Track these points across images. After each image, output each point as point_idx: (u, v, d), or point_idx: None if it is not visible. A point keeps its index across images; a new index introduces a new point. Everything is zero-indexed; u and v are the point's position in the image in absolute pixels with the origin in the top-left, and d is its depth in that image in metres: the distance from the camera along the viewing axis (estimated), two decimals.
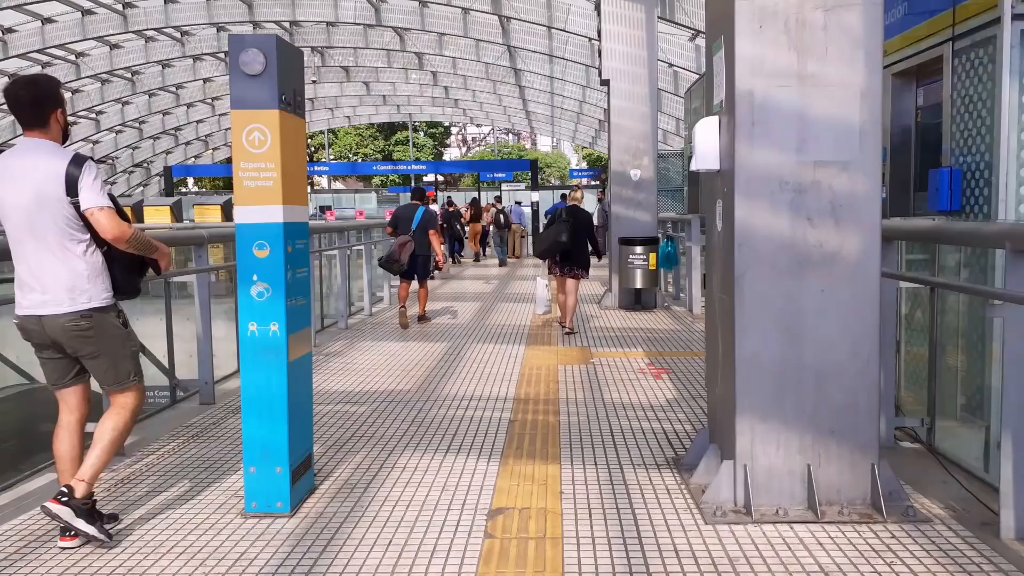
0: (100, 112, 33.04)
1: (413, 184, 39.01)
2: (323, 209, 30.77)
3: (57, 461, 3.29)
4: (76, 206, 3.09)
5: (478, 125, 56.64)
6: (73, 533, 3.14)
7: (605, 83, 10.64)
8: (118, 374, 3.29)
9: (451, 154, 61.00)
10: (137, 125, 36.22)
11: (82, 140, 35.06)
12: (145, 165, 42.68)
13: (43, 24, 22.86)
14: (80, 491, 3.13)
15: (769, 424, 3.37)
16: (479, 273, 17.22)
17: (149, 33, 25.02)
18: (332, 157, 51.23)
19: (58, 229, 3.10)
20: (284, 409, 3.51)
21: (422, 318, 9.48)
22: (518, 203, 23.33)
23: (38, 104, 3.15)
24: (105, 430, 3.24)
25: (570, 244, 8.35)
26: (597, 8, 11.34)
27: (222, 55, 27.77)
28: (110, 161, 40.21)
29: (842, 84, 3.27)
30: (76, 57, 26.19)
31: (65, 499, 3.09)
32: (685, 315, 9.85)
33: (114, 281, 3.27)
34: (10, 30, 23.05)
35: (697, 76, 15.91)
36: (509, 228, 21.53)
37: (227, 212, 14.42)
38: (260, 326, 3.50)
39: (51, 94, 3.19)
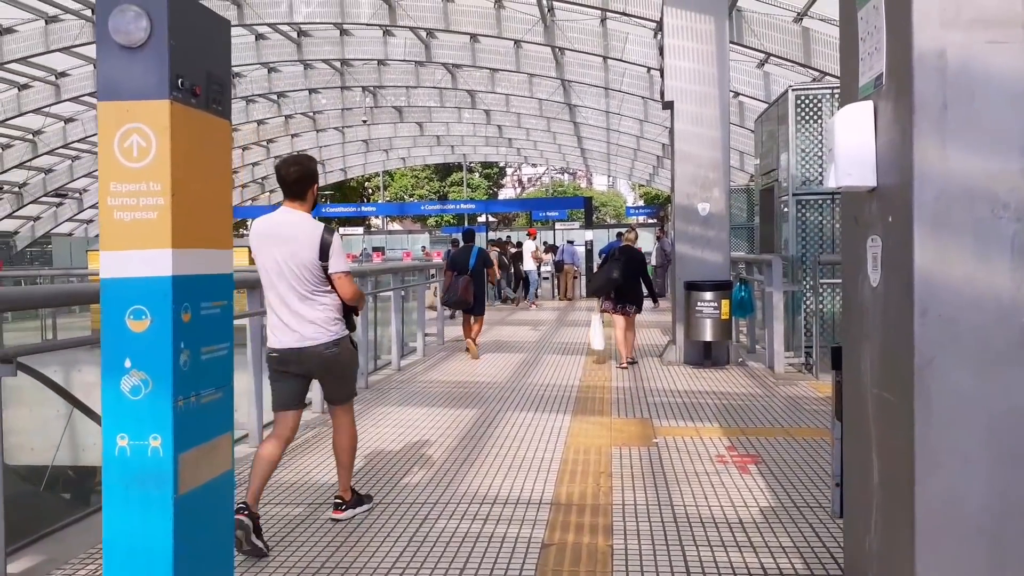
0: None
1: (467, 224, 38.19)
2: (374, 250, 30.04)
3: (255, 466, 3.84)
4: (325, 268, 3.79)
5: (533, 165, 55.87)
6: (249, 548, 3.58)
7: (668, 106, 9.31)
8: (347, 391, 4.12)
9: (506, 194, 60.26)
10: None
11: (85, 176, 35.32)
12: None
13: (95, 67, 22.77)
14: (345, 496, 4.08)
15: None
16: (524, 318, 15.88)
17: None
18: (388, 199, 50.95)
19: (308, 284, 3.79)
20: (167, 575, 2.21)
21: (474, 342, 10.11)
22: (570, 242, 22.00)
23: (300, 181, 3.83)
24: (343, 447, 4.09)
25: (622, 281, 8.80)
26: (659, 22, 10.10)
27: (274, 96, 27.50)
28: None
29: None
30: None
31: (245, 512, 3.60)
32: (765, 374, 8.31)
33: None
34: (63, 74, 23.05)
35: (766, 105, 14.49)
36: (512, 268, 20.21)
37: None
38: (133, 440, 2.22)
39: (311, 172, 3.87)
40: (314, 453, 5.35)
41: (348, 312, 3.97)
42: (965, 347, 1.96)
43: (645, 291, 9.16)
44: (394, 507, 4.20)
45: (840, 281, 8.61)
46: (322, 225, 3.82)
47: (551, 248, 25.29)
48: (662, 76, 9.38)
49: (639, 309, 9.10)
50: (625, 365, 8.80)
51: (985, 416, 1.96)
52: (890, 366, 2.16)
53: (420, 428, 6.04)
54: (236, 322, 5.20)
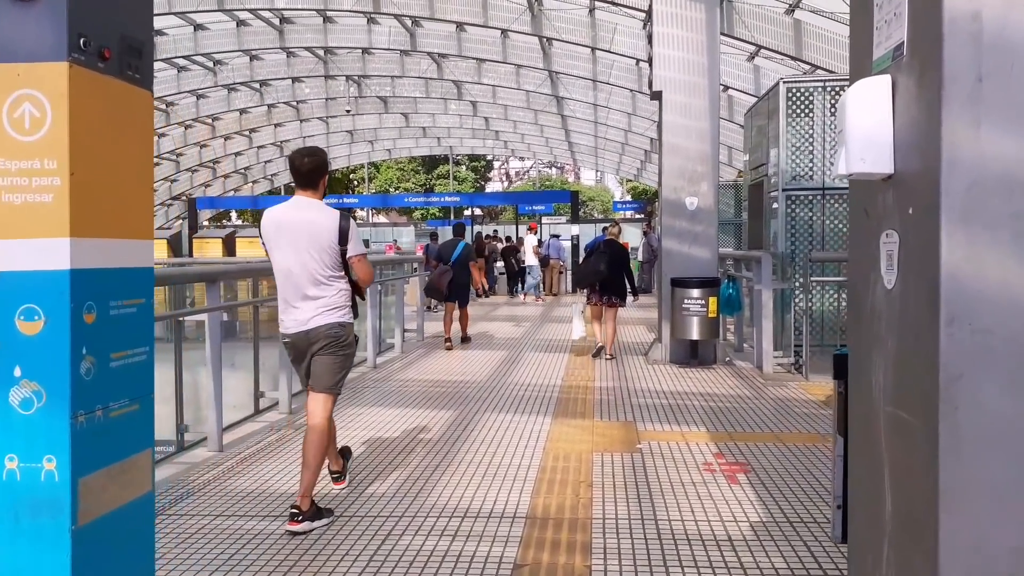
0: None
1: (453, 218, 37.79)
2: (364, 243, 29.55)
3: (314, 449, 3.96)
4: (343, 253, 3.90)
5: (521, 158, 55.47)
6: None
7: (656, 96, 9.01)
8: (332, 379, 4.05)
9: (493, 188, 59.88)
10: (174, 157, 35.71)
11: None
12: (184, 198, 42.23)
13: None
14: (301, 502, 3.81)
15: None
16: (508, 313, 15.58)
17: (181, 62, 24.30)
18: (374, 191, 50.40)
19: (323, 267, 3.88)
20: None
21: (465, 339, 10.68)
22: (555, 236, 21.69)
23: (314, 171, 3.96)
24: (312, 447, 3.95)
25: (608, 274, 9.01)
26: (648, 10, 9.80)
27: (256, 84, 26.99)
28: None
29: None
30: None
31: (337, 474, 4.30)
32: (753, 375, 8.04)
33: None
34: None
35: (756, 99, 14.22)
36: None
37: (229, 246, 13.11)
38: (23, 462, 1.89)
39: (323, 163, 4.03)
40: (275, 458, 5.02)
41: (354, 299, 4.10)
42: (1000, 362, 1.66)
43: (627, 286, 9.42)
44: (355, 521, 3.88)
45: (834, 279, 8.42)
46: (338, 212, 3.97)
47: (539, 243, 25.03)
48: (650, 65, 9.07)
49: (623, 301, 9.33)
50: (609, 356, 9.07)
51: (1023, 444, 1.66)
52: (909, 382, 1.86)
53: (391, 431, 5.72)
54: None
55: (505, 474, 4.60)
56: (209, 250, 12.94)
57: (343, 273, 3.97)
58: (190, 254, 13.37)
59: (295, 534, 3.69)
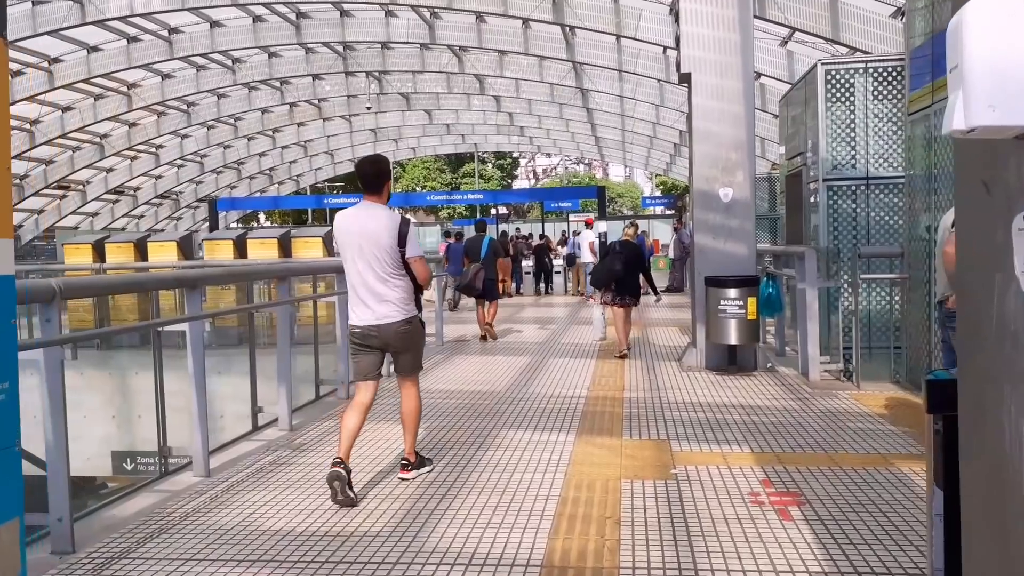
0: (159, 146, 32.45)
1: (479, 215, 37.27)
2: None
3: (342, 431, 4.34)
4: (402, 254, 4.29)
5: (547, 155, 54.79)
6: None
7: (684, 79, 8.34)
8: (415, 364, 4.56)
9: (520, 186, 59.25)
10: (198, 159, 35.60)
11: (142, 175, 34.63)
12: (211, 200, 42.20)
13: (89, 53, 22.03)
14: (411, 458, 4.55)
15: None
16: (534, 315, 14.97)
17: (200, 61, 24.02)
18: (399, 190, 50.07)
19: (387, 267, 4.27)
20: None
21: (488, 326, 10.91)
22: (577, 233, 21.04)
23: (378, 177, 4.39)
24: (409, 414, 4.55)
25: (623, 274, 9.18)
26: None
27: (276, 83, 26.67)
28: (174, 196, 39.83)
29: None
30: (128, 88, 25.42)
31: (340, 464, 4.19)
32: (799, 383, 7.35)
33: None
34: (56, 60, 22.30)
35: (790, 86, 13.45)
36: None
37: (240, 248, 12.68)
38: None
39: (386, 170, 4.49)
40: (266, 485, 4.47)
41: (416, 293, 4.43)
42: None
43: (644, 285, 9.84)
44: (342, 569, 3.31)
45: (886, 276, 7.71)
46: (399, 216, 4.34)
47: (564, 240, 24.39)
48: (677, 46, 8.40)
49: (637, 301, 9.51)
50: (623, 354, 9.03)
51: None
52: None
53: (396, 452, 5.14)
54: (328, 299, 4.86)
55: (520, 507, 4.00)
56: (220, 252, 12.52)
57: (404, 271, 4.32)
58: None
59: (404, 480, 4.47)
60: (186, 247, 13.22)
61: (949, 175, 6.28)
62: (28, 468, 4.70)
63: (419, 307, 4.48)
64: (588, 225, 20.97)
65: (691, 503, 4.01)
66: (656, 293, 10.33)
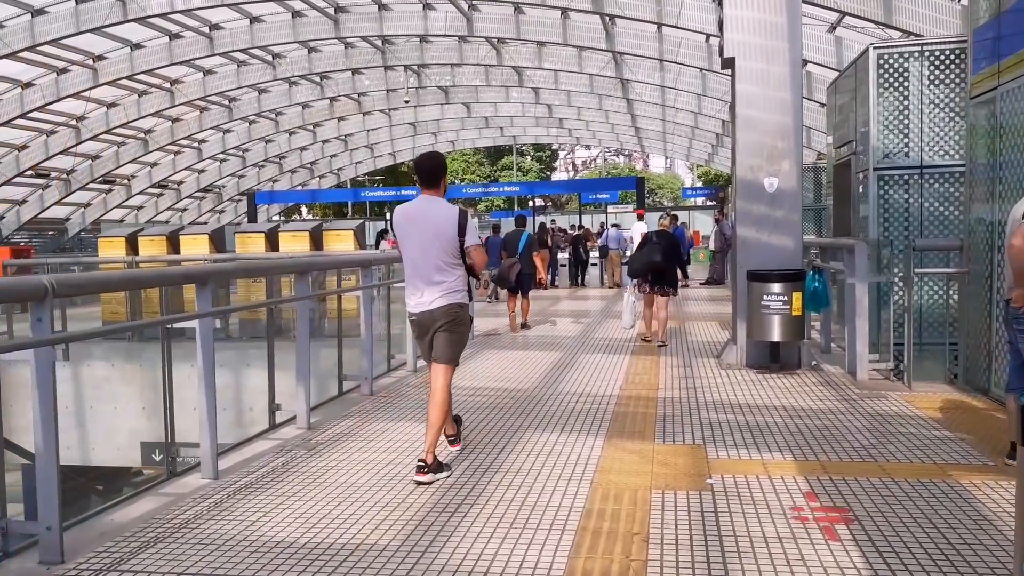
0: (202, 141, 32.80)
1: (516, 208, 36.98)
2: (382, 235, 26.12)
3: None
4: (461, 244, 4.52)
5: (586, 147, 54.25)
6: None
7: (728, 64, 7.92)
8: (453, 353, 4.67)
9: (559, 178, 58.78)
10: (240, 153, 35.92)
11: (186, 169, 35.07)
12: (250, 193, 42.65)
13: (132, 50, 22.25)
14: (428, 460, 4.39)
15: None
16: (568, 308, 14.64)
17: (240, 57, 24.13)
18: None
19: (446, 256, 4.51)
20: None
21: (524, 325, 11.22)
22: (615, 226, 20.59)
23: (436, 172, 4.61)
24: (436, 409, 4.56)
25: (663, 264, 9.24)
26: None
27: (316, 78, 26.69)
28: (216, 190, 40.29)
29: None
30: (171, 84, 25.67)
31: (452, 437, 4.86)
32: (845, 383, 6.92)
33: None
34: (101, 57, 22.58)
35: (838, 73, 12.86)
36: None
37: (272, 241, 12.60)
38: None
39: (443, 165, 4.70)
40: (275, 489, 4.25)
41: (469, 285, 4.71)
42: None
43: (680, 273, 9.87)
44: None
45: (942, 270, 7.20)
46: (457, 208, 4.51)
47: (601, 231, 23.95)
48: (721, 30, 7.98)
49: (676, 291, 9.65)
50: (661, 343, 9.29)
51: None
52: None
53: (415, 455, 4.89)
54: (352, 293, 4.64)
55: (540, 520, 3.71)
56: (252, 245, 12.46)
57: (461, 261, 4.56)
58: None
59: (421, 483, 4.27)
60: (218, 240, 13.19)
61: (1016, 162, 5.80)
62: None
63: (470, 295, 4.74)
64: (640, 217, 20.55)
65: (727, 519, 3.68)
66: (685, 277, 10.52)
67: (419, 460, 4.38)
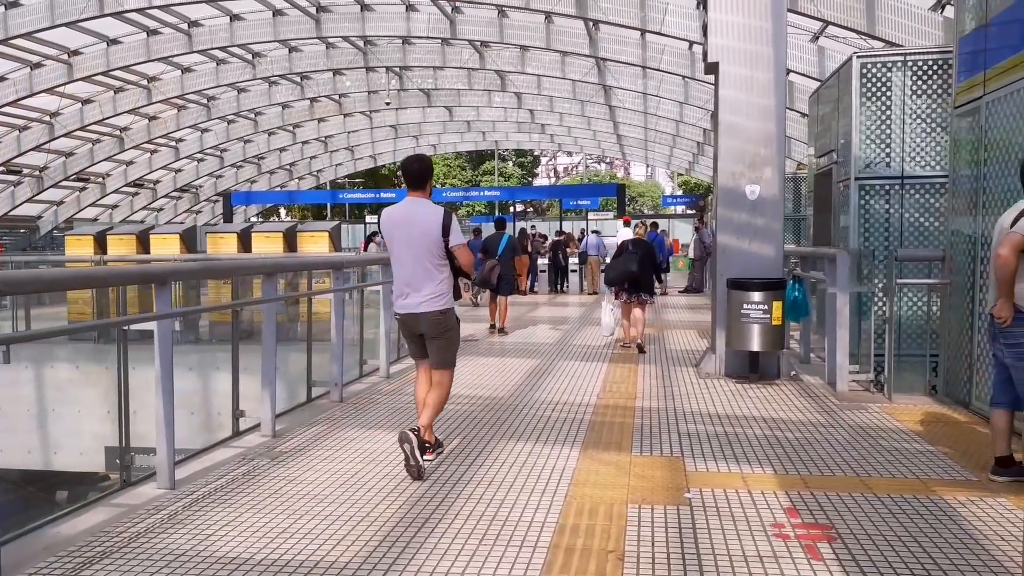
0: (179, 140, 32.34)
1: (498, 212, 36.84)
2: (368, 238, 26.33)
3: (417, 402, 4.84)
4: (446, 244, 4.58)
5: (568, 153, 54.25)
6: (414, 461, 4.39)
7: (711, 69, 7.82)
8: (448, 358, 4.78)
9: (540, 185, 58.70)
10: (218, 153, 35.48)
11: (162, 168, 34.56)
12: (226, 193, 42.13)
13: (108, 46, 21.86)
14: (426, 435, 4.63)
15: None
16: (546, 315, 14.49)
17: (219, 55, 23.80)
18: None
19: (432, 257, 4.58)
20: None
21: (502, 331, 11.17)
22: (595, 232, 20.49)
23: (423, 174, 4.71)
24: (434, 398, 4.73)
25: (639, 272, 9.36)
26: None
27: (296, 78, 26.40)
28: (193, 190, 39.76)
29: None
30: (148, 81, 25.26)
31: (416, 433, 4.49)
32: (825, 394, 6.82)
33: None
34: (76, 52, 22.16)
35: (819, 83, 12.86)
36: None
37: (244, 241, 12.33)
38: None
39: (430, 168, 4.80)
40: (234, 500, 4.05)
41: (456, 285, 4.78)
42: None
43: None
44: None
45: (923, 281, 7.15)
46: (442, 209, 4.62)
47: (582, 237, 23.87)
48: (705, 35, 7.89)
49: (652, 298, 9.89)
50: (640, 348, 9.31)
51: None
52: None
53: (382, 465, 4.71)
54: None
55: (511, 536, 3.54)
56: (224, 246, 12.19)
57: (447, 261, 4.63)
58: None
59: (428, 462, 4.60)
60: (190, 240, 12.89)
61: (1001, 173, 5.73)
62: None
63: (458, 295, 4.84)
64: (626, 223, 20.44)
65: (706, 535, 3.53)
66: (660, 280, 10.75)
67: (425, 442, 4.59)
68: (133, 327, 5.51)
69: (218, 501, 4.06)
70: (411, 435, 4.37)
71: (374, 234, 21.79)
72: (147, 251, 12.46)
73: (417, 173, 4.67)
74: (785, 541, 3.46)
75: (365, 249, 20.80)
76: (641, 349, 9.29)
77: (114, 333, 10.64)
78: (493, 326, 11.33)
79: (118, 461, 10.21)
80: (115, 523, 3.77)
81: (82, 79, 22.85)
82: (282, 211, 52.18)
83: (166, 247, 12.41)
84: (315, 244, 12.12)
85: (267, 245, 11.99)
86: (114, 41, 21.76)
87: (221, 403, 8.87)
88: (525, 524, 3.68)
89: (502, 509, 3.89)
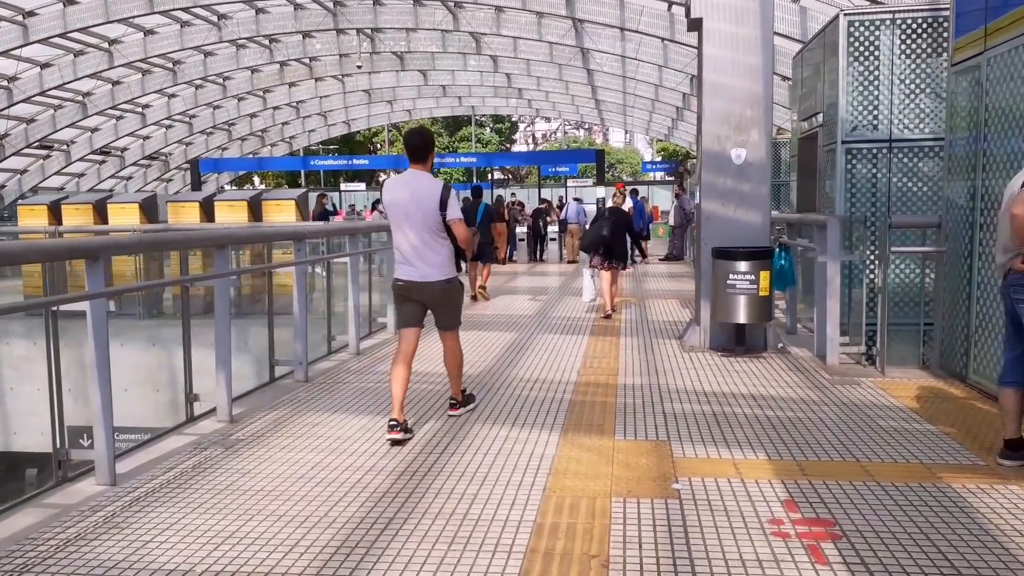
0: (145, 106, 31.29)
1: (475, 180, 36.30)
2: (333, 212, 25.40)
3: (393, 384, 4.71)
4: (443, 217, 4.68)
5: (546, 119, 53.51)
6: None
7: (695, 25, 7.39)
8: (454, 320, 4.98)
9: (518, 151, 57.99)
10: (187, 119, 34.45)
11: (129, 135, 33.49)
12: (194, 161, 41.01)
13: (65, 6, 20.90)
14: (457, 397, 5.11)
15: None
16: (526, 285, 14.13)
17: (183, 16, 22.87)
18: (396, 153, 48.85)
19: (430, 230, 4.68)
20: None
21: (483, 287, 11.48)
22: (577, 199, 20.07)
23: (423, 147, 4.79)
24: (452, 364, 5.03)
25: (611, 239, 9.43)
26: None
27: (264, 40, 25.51)
28: (162, 158, 38.68)
29: None
30: (109, 44, 24.27)
31: (395, 424, 4.51)
32: (815, 368, 6.53)
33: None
34: (31, 13, 21.17)
35: (801, 45, 12.43)
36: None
37: (207, 211, 11.79)
38: None
39: (431, 141, 4.87)
40: (180, 498, 3.66)
41: (457, 255, 4.86)
42: None
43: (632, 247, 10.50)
44: None
45: (918, 249, 6.84)
46: (441, 182, 4.73)
47: (561, 204, 23.44)
48: None
49: (625, 265, 10.09)
50: (608, 314, 9.36)
51: None
52: None
53: (345, 454, 4.34)
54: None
55: (483, 540, 3.19)
56: (185, 216, 11.64)
57: (446, 234, 4.72)
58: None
59: (453, 416, 5.01)
60: (149, 209, 12.32)
61: (1003, 133, 5.40)
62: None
63: (459, 268, 4.96)
64: (621, 191, 20.00)
65: (698, 535, 3.21)
66: (642, 253, 11.08)
67: (451, 398, 5.06)
68: (52, 308, 5.05)
69: (162, 500, 3.67)
70: (396, 436, 4.44)
71: (378, 201, 21.39)
72: (104, 221, 11.88)
73: (418, 145, 4.75)
74: (785, 540, 3.15)
75: (370, 216, 20.48)
76: (608, 317, 9.33)
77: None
78: (475, 296, 11.25)
79: (82, 440, 9.80)
80: (43, 527, 3.38)
81: (39, 41, 21.88)
82: (256, 179, 51.14)
83: (125, 217, 11.84)
84: (281, 213, 11.63)
85: (231, 214, 11.47)
86: (71, 1, 20.81)
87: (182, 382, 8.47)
88: (499, 523, 3.34)
89: (474, 506, 3.54)
